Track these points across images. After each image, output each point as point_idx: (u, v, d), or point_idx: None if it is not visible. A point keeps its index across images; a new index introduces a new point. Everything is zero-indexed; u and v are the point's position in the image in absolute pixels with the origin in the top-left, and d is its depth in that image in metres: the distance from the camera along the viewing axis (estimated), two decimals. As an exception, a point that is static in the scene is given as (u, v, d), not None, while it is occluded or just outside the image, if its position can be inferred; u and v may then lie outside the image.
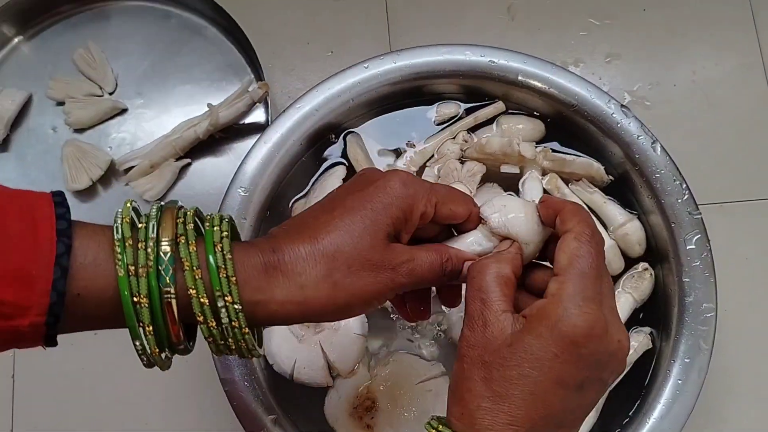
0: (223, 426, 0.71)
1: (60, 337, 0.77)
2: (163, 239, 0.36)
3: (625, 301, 0.63)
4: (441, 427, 0.38)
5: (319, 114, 0.66)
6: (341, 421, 0.62)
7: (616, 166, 0.66)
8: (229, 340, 0.37)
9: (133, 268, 0.35)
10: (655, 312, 0.64)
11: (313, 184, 0.68)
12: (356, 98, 0.66)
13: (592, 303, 0.37)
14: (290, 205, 0.67)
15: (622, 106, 0.64)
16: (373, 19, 0.82)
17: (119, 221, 0.36)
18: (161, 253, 0.35)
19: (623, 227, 0.64)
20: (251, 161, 0.64)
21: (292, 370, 0.62)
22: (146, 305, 0.35)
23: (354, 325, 0.63)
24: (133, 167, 0.75)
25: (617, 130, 0.64)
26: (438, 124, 0.69)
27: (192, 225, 0.37)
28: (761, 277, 0.73)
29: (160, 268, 0.35)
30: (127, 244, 0.35)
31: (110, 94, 0.79)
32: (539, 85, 0.65)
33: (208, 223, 0.38)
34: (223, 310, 0.36)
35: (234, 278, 0.36)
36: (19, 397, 0.73)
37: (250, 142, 0.74)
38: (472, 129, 0.68)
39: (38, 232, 0.33)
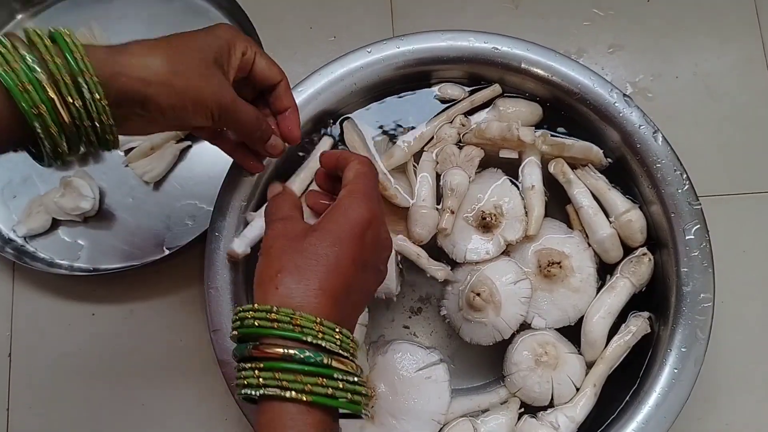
0: (221, 407, 0.71)
1: (57, 318, 0.77)
2: (19, 44, 0.42)
3: (624, 287, 0.63)
4: (257, 306, 0.43)
5: (321, 98, 0.65)
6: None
7: (613, 149, 0.66)
8: (93, 115, 0.44)
9: (6, 66, 0.41)
10: (653, 298, 0.64)
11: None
12: (359, 83, 0.66)
13: (372, 200, 0.48)
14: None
15: (625, 95, 0.64)
16: (377, 4, 0.82)
17: None
18: (24, 55, 0.42)
19: (626, 214, 0.64)
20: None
21: None
22: (31, 89, 0.41)
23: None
24: (133, 148, 0.75)
25: (619, 119, 0.64)
26: (441, 102, 0.69)
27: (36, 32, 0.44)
28: (758, 270, 0.74)
29: (27, 61, 0.41)
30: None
31: (111, 74, 0.79)
32: (542, 72, 0.65)
33: (53, 29, 0.45)
34: (84, 85, 0.43)
35: (87, 57, 0.43)
36: (16, 376, 0.73)
37: (251, 125, 0.74)
38: (469, 112, 0.68)
39: None
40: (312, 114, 0.66)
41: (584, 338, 0.62)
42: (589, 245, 0.65)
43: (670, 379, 0.59)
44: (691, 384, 0.59)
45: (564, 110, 0.67)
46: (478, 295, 0.61)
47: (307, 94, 0.65)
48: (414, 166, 0.66)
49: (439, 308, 0.66)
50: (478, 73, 0.68)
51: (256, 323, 0.42)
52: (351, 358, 0.43)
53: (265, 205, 0.58)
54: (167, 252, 0.72)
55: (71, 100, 0.42)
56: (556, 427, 0.60)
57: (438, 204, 0.65)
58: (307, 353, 0.41)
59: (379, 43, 0.66)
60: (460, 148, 0.66)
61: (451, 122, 0.67)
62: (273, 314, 0.41)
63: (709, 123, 0.78)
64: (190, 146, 0.76)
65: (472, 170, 0.65)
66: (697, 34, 0.81)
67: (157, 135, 0.74)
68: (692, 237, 0.61)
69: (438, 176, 0.66)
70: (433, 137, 0.67)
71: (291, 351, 0.41)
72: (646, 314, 0.63)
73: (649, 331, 0.63)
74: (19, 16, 0.81)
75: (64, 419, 0.72)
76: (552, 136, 0.66)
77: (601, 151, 0.66)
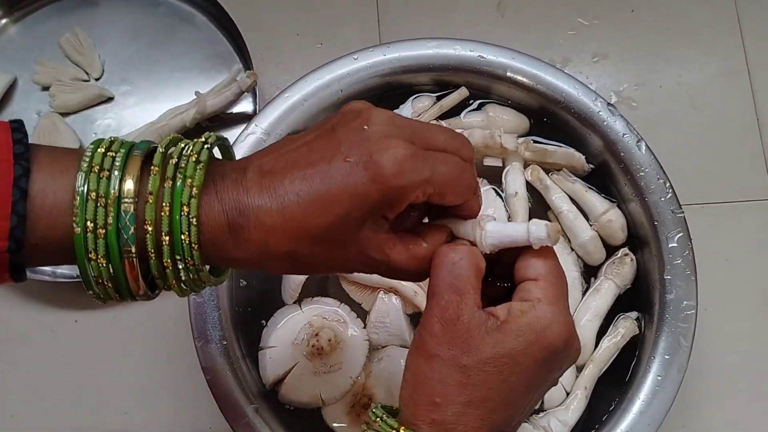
0: (205, 415, 0.70)
1: (40, 324, 0.76)
2: (125, 199, 0.33)
3: (608, 288, 0.63)
4: (403, 430, 0.36)
5: (307, 104, 0.65)
6: (339, 420, 0.62)
7: (595, 155, 0.67)
8: (179, 272, 0.36)
9: (91, 225, 0.33)
10: (638, 299, 0.65)
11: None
12: (345, 89, 0.66)
13: (568, 312, 0.37)
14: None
15: (609, 104, 0.65)
16: (364, 11, 0.82)
17: (86, 163, 0.33)
18: (122, 210, 0.33)
19: (605, 215, 0.65)
20: (237, 150, 0.64)
21: (320, 400, 0.62)
22: (104, 264, 0.34)
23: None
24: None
25: (603, 128, 0.65)
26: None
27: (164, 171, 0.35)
28: (741, 278, 0.74)
29: (120, 226, 0.33)
30: (89, 197, 0.33)
31: (96, 80, 0.79)
32: (527, 81, 0.66)
33: (182, 167, 0.35)
34: (183, 271, 0.35)
35: (196, 245, 0.35)
36: (-3, 383, 0.72)
37: (236, 131, 0.73)
38: (441, 117, 0.68)
39: None
40: (298, 120, 0.65)
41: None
42: (572, 249, 0.65)
43: (653, 387, 0.59)
44: (674, 391, 0.59)
45: (549, 118, 0.67)
46: None
47: (294, 100, 0.65)
48: None
49: None
50: (464, 82, 0.68)
51: None
52: None
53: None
54: (151, 258, 0.71)
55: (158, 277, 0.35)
56: (549, 431, 0.60)
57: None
58: None
59: (365, 50, 0.66)
60: None
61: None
62: None
63: (692, 132, 0.79)
64: None
65: None
66: (681, 45, 0.82)
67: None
68: (675, 245, 0.62)
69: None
70: None
71: None
72: (634, 315, 0.64)
73: (638, 332, 0.63)
74: (3, 21, 0.81)
75: (47, 428, 0.71)
76: (534, 142, 0.66)
77: (584, 157, 0.66)
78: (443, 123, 0.68)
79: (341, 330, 0.63)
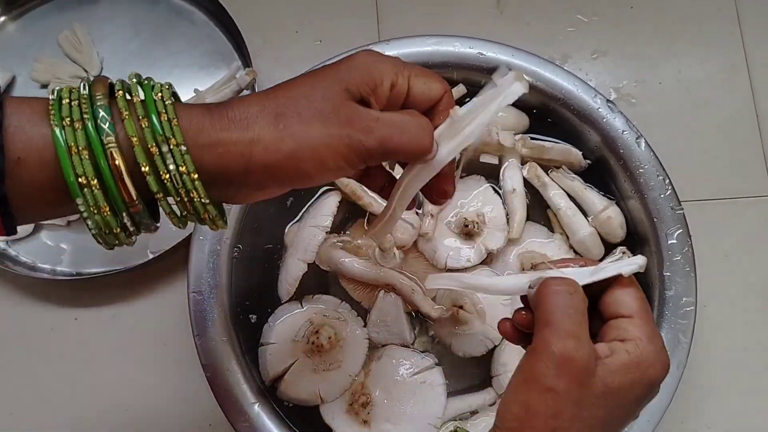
0: (205, 412, 0.70)
1: (40, 322, 0.76)
2: (97, 94, 0.34)
3: None
4: None
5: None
6: (338, 419, 0.62)
7: (593, 150, 0.67)
8: (181, 191, 0.35)
9: (68, 119, 0.33)
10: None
11: (307, 209, 0.67)
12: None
13: (665, 348, 0.39)
14: (285, 231, 0.67)
15: (608, 101, 0.65)
16: (363, 8, 0.82)
17: (56, 85, 0.35)
18: (97, 106, 0.34)
19: (605, 212, 0.65)
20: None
21: (319, 398, 0.62)
22: (86, 157, 0.33)
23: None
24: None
25: (603, 124, 0.65)
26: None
27: (124, 82, 0.36)
28: (740, 274, 0.74)
29: (97, 119, 0.34)
30: (63, 102, 0.34)
31: (95, 77, 0.78)
32: (526, 78, 0.66)
33: (145, 81, 0.37)
34: (169, 155, 0.34)
35: (176, 120, 0.35)
36: (-3, 381, 0.72)
37: (236, 128, 0.74)
38: None
39: None
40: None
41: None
42: (571, 247, 0.65)
43: (652, 383, 0.59)
44: (673, 387, 0.59)
45: (548, 116, 0.67)
46: (461, 308, 0.61)
47: (293, 98, 0.65)
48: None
49: (427, 329, 0.66)
50: (465, 79, 0.68)
51: None
52: None
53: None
54: (151, 256, 0.71)
55: (147, 170, 0.34)
56: None
57: (419, 209, 0.65)
58: None
59: (364, 47, 0.66)
60: None
61: None
62: None
63: (691, 129, 0.79)
64: None
65: (456, 175, 0.65)
66: (680, 41, 0.82)
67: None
68: (675, 241, 0.62)
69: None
70: None
71: None
72: None
73: None
74: (2, 19, 0.81)
75: (46, 425, 0.71)
76: (531, 139, 0.66)
77: (581, 154, 0.66)
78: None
79: (341, 328, 0.63)
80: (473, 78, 0.67)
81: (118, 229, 0.35)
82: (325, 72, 0.38)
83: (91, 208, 0.34)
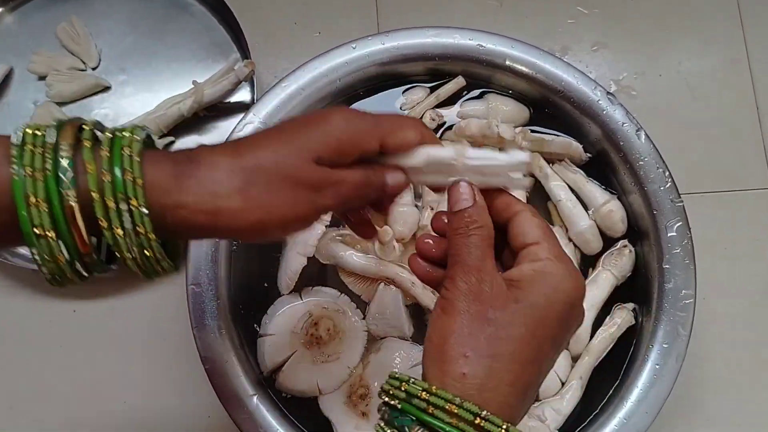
0: (204, 405, 0.70)
1: (39, 315, 0.76)
2: (62, 143, 0.34)
3: (606, 279, 0.63)
4: (435, 389, 0.35)
5: (305, 94, 0.65)
6: (336, 410, 0.62)
7: (594, 144, 0.67)
8: (134, 250, 0.36)
9: (30, 170, 0.33)
10: (636, 290, 0.65)
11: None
12: (343, 78, 0.66)
13: (575, 266, 0.40)
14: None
15: (608, 93, 0.65)
16: (362, 1, 0.81)
17: (21, 127, 0.34)
18: (60, 157, 0.34)
19: (606, 205, 0.64)
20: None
21: (317, 390, 0.62)
22: (45, 209, 0.33)
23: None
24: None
25: (602, 117, 0.64)
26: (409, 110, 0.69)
27: (94, 131, 0.36)
28: (739, 266, 0.74)
29: (58, 171, 0.33)
30: (25, 148, 0.34)
31: (93, 69, 0.78)
32: (526, 70, 0.66)
33: (118, 131, 0.36)
34: (127, 214, 0.34)
35: (140, 180, 0.34)
36: (-4, 374, 0.72)
37: (234, 120, 0.74)
38: (437, 107, 0.68)
39: None
40: (296, 109, 0.65)
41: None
42: (570, 240, 0.65)
43: (651, 375, 0.59)
44: (672, 380, 0.59)
45: (549, 108, 0.67)
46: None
47: (291, 89, 0.65)
48: None
49: (426, 323, 0.65)
50: (463, 71, 0.68)
51: (430, 410, 0.35)
52: None
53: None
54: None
55: (105, 225, 0.34)
56: (544, 420, 0.60)
57: (418, 201, 0.65)
58: None
59: (364, 39, 0.66)
60: None
61: (420, 119, 0.67)
62: (455, 407, 0.34)
63: (691, 121, 0.79)
64: (173, 142, 0.76)
65: None
66: (680, 34, 0.81)
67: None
68: (674, 234, 0.62)
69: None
70: None
71: None
72: (630, 306, 0.64)
73: (634, 322, 0.63)
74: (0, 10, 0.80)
75: (45, 418, 0.71)
76: (532, 132, 0.66)
77: (581, 146, 0.66)
78: (441, 112, 0.67)
79: (341, 320, 0.63)
80: (472, 70, 0.67)
81: (72, 275, 0.36)
82: (298, 136, 0.38)
83: (46, 257, 0.34)
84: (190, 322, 0.61)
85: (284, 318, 0.63)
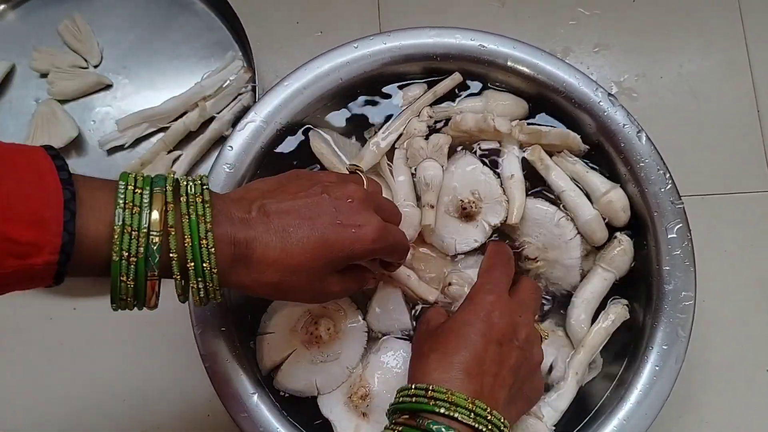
0: (204, 403, 0.70)
1: (39, 312, 0.76)
2: (153, 231, 0.42)
3: (599, 274, 0.63)
4: (451, 396, 0.47)
5: (306, 93, 0.65)
6: (336, 411, 0.62)
7: (590, 135, 0.66)
8: (200, 291, 0.45)
9: (126, 254, 0.41)
10: (635, 289, 0.65)
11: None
12: (344, 78, 0.66)
13: (496, 289, 0.54)
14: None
15: (609, 94, 0.65)
16: (364, 0, 0.81)
17: (122, 200, 0.41)
18: (151, 243, 0.41)
19: (607, 195, 0.64)
20: (237, 138, 0.64)
21: (315, 389, 0.62)
22: (131, 286, 0.42)
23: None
24: (117, 147, 0.75)
25: (603, 118, 0.64)
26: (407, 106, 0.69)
27: (181, 194, 0.44)
28: (739, 269, 0.74)
29: (148, 256, 0.41)
30: (125, 232, 0.41)
31: (95, 67, 0.78)
32: (527, 70, 0.65)
33: (191, 190, 0.45)
34: (201, 273, 0.44)
35: (213, 248, 0.43)
36: (-5, 371, 0.72)
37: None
38: (435, 103, 0.68)
39: (44, 181, 0.38)
40: (298, 108, 0.65)
41: (568, 329, 0.63)
42: (578, 232, 0.64)
43: (651, 377, 0.59)
44: (671, 382, 0.59)
45: (547, 106, 0.67)
46: (449, 285, 0.61)
47: (293, 88, 0.65)
48: (389, 165, 0.66)
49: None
50: (462, 69, 0.68)
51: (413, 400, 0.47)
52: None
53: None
54: (150, 247, 0.71)
55: (178, 278, 0.44)
56: (541, 417, 0.60)
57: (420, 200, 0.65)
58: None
59: (365, 39, 0.66)
60: (426, 138, 0.66)
61: (418, 116, 0.67)
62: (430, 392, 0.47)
63: (693, 123, 0.79)
64: (180, 155, 0.75)
65: (443, 159, 0.65)
66: (682, 36, 0.81)
67: (147, 150, 0.75)
68: (674, 236, 0.62)
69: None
70: (402, 134, 0.66)
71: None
72: (624, 301, 0.64)
73: (628, 317, 0.63)
74: (1, 7, 0.80)
75: (45, 415, 0.71)
76: (528, 124, 0.66)
77: (579, 137, 0.66)
78: (438, 107, 0.68)
79: (340, 320, 0.63)
80: (473, 70, 0.67)
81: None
82: (332, 245, 0.48)
83: (121, 304, 0.44)
84: (190, 321, 0.61)
85: (284, 317, 0.63)
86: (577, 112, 0.66)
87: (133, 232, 0.41)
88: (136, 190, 0.42)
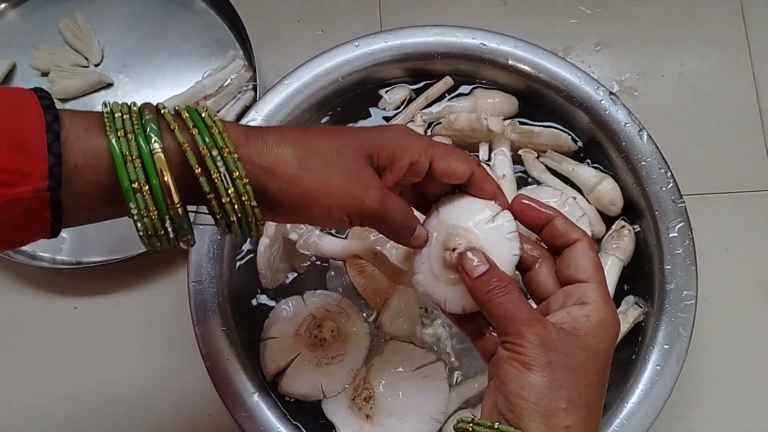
0: (204, 403, 0.70)
1: (40, 311, 0.76)
2: (146, 110, 0.38)
3: (613, 264, 0.63)
4: None
5: (307, 91, 0.65)
6: (340, 413, 0.62)
7: (584, 131, 0.67)
8: (231, 193, 0.39)
9: (122, 131, 0.37)
10: (637, 289, 0.65)
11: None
12: (345, 77, 0.66)
13: (615, 309, 0.42)
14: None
15: (611, 93, 0.65)
16: (365, -1, 0.81)
17: (108, 101, 0.38)
18: (146, 119, 0.38)
19: (599, 186, 0.65)
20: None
21: (321, 392, 0.62)
22: (139, 165, 0.36)
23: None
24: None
25: (605, 117, 0.64)
26: (393, 110, 0.69)
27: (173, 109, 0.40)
28: (741, 268, 0.74)
29: (146, 129, 0.37)
30: (116, 116, 0.37)
31: (96, 65, 0.78)
32: (529, 69, 0.66)
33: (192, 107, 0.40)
34: (219, 158, 0.38)
35: (226, 133, 0.38)
36: (-4, 370, 0.72)
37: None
38: (427, 106, 0.68)
39: (25, 108, 0.35)
40: (299, 108, 0.65)
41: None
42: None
43: (652, 376, 0.59)
44: (673, 381, 0.59)
45: (536, 100, 0.67)
46: (454, 250, 0.47)
47: (294, 87, 0.65)
48: None
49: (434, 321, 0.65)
50: (465, 69, 0.68)
51: None
52: None
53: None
54: (151, 246, 0.71)
55: (199, 172, 0.38)
56: None
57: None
58: None
59: (366, 37, 0.66)
60: None
61: (412, 120, 0.67)
62: None
63: (694, 122, 0.78)
64: None
65: None
66: (683, 34, 0.81)
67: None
68: (676, 235, 0.62)
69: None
70: None
71: None
72: (641, 304, 0.64)
73: (642, 318, 0.63)
74: (2, 6, 0.80)
75: (46, 414, 0.71)
76: (521, 124, 0.66)
77: (570, 137, 0.66)
78: (432, 110, 0.68)
79: (344, 322, 0.63)
80: (460, 67, 0.67)
81: (162, 232, 0.38)
82: (356, 134, 0.42)
83: (142, 212, 0.37)
84: (191, 320, 0.61)
85: (287, 321, 0.63)
86: (565, 104, 0.66)
87: (125, 116, 0.37)
88: (123, 105, 0.39)
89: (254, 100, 0.75)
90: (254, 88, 0.75)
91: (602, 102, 0.64)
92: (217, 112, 0.75)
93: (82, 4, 0.80)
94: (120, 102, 0.39)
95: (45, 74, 0.77)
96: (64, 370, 0.72)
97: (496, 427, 0.38)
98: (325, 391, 0.61)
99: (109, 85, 0.78)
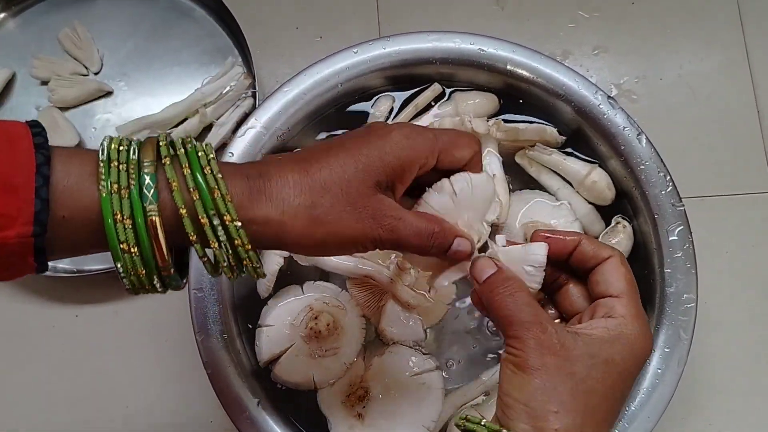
0: (206, 410, 0.70)
1: (41, 319, 0.76)
2: (145, 160, 0.36)
3: None
4: None
5: (306, 98, 0.65)
6: (333, 408, 0.62)
7: (568, 123, 0.67)
8: (230, 260, 0.38)
9: (116, 185, 0.35)
10: (640, 285, 0.64)
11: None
12: (344, 83, 0.66)
13: (649, 326, 0.41)
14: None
15: (609, 97, 0.65)
16: (363, 5, 0.81)
17: (106, 143, 0.36)
18: (143, 173, 0.36)
19: (589, 177, 0.65)
20: (238, 145, 0.64)
21: (313, 383, 0.62)
22: (129, 226, 0.35)
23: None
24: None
25: (603, 121, 0.64)
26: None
27: (178, 148, 0.37)
28: (741, 270, 0.74)
29: (142, 186, 0.35)
30: (111, 165, 0.35)
31: (95, 74, 0.78)
32: (527, 74, 0.66)
33: (190, 146, 0.38)
34: (220, 228, 0.36)
35: (228, 196, 0.36)
36: (-2, 378, 0.73)
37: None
38: (416, 116, 0.68)
39: (16, 146, 0.33)
40: (298, 114, 0.65)
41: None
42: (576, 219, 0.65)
43: (653, 380, 0.59)
44: (674, 384, 0.59)
45: (517, 95, 0.68)
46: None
47: (293, 94, 0.65)
48: None
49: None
50: (463, 75, 0.68)
51: None
52: None
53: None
54: (152, 253, 0.71)
55: (194, 239, 0.36)
56: None
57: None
58: None
59: (365, 44, 0.66)
60: None
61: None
62: None
63: (692, 125, 0.79)
64: None
65: None
66: (681, 37, 0.81)
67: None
68: (675, 238, 0.62)
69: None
70: None
71: None
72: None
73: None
74: (1, 15, 0.80)
75: (48, 422, 0.71)
76: (504, 122, 0.66)
77: (555, 130, 0.66)
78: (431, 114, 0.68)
79: (340, 316, 0.63)
80: (440, 70, 0.67)
81: (149, 287, 0.37)
82: (360, 158, 0.40)
83: (129, 271, 0.36)
84: (192, 327, 0.61)
85: (284, 310, 0.63)
86: (545, 96, 0.66)
87: (121, 165, 0.35)
88: (120, 147, 0.36)
89: (254, 107, 0.75)
90: (253, 95, 0.75)
91: (601, 106, 0.64)
92: (217, 119, 0.75)
93: (81, 13, 0.80)
94: (121, 138, 0.37)
95: (45, 83, 0.77)
96: (65, 377, 0.72)
97: (483, 423, 0.38)
98: (317, 382, 0.62)
99: (109, 93, 0.78)
